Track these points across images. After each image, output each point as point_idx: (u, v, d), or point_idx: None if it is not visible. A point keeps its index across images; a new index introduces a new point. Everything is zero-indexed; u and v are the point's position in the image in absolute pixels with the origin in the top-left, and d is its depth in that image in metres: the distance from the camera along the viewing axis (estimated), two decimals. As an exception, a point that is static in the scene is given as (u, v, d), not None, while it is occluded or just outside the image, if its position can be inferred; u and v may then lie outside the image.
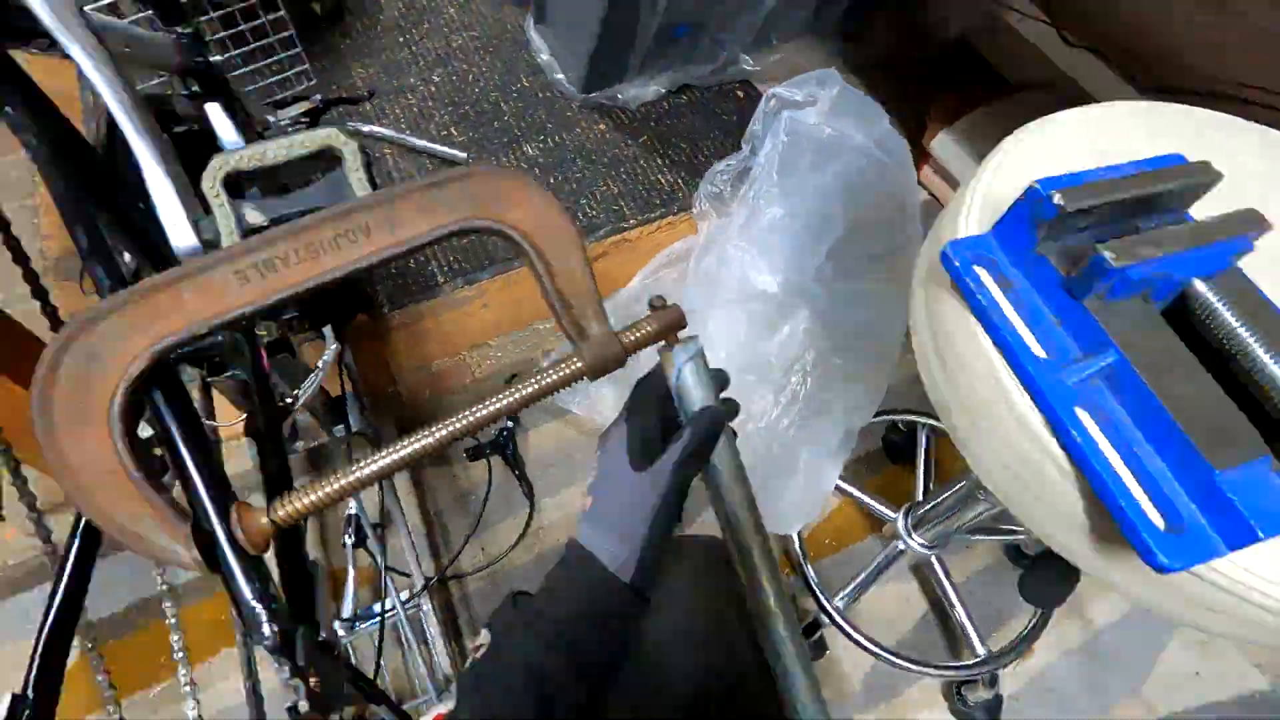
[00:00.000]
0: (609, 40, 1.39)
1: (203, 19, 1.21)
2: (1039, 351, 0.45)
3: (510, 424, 1.18)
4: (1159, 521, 0.39)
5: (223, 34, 1.24)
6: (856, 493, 1.00)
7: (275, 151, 0.49)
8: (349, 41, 1.64)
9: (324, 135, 0.50)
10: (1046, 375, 0.43)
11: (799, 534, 1.00)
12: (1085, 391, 0.43)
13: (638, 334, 0.46)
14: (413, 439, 0.42)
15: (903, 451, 1.19)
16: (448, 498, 1.14)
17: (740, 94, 1.66)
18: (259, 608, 0.42)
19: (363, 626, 0.92)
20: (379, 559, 0.93)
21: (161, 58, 0.89)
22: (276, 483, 0.51)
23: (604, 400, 1.22)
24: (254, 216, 0.50)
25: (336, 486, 0.41)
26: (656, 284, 1.34)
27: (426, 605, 0.96)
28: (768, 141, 1.15)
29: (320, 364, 0.76)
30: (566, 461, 1.18)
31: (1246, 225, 0.45)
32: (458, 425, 0.42)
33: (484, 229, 0.48)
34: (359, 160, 0.51)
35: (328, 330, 0.81)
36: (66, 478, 0.40)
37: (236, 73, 1.25)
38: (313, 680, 0.43)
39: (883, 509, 0.99)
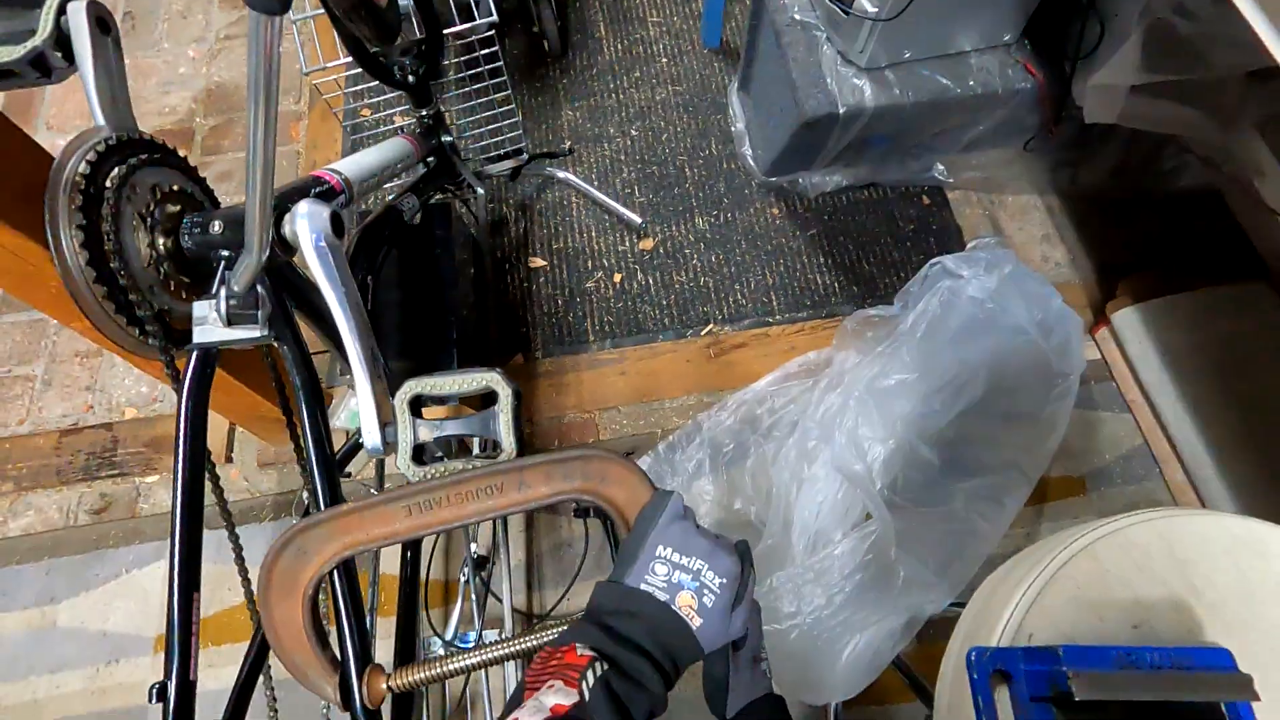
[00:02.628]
0: (796, 143, 1.42)
1: (442, 94, 1.39)
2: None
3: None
4: None
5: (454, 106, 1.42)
6: (904, 674, 1.04)
7: (450, 387, 0.64)
8: (566, 80, 1.78)
9: (489, 379, 0.64)
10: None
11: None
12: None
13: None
14: (504, 644, 0.55)
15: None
16: (548, 544, 1.31)
17: (925, 200, 1.61)
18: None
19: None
20: (479, 597, 1.12)
21: (405, 161, 1.07)
22: (403, 655, 0.69)
23: (703, 492, 1.32)
24: (424, 433, 0.65)
25: (444, 669, 0.56)
26: (782, 390, 1.40)
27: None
28: (921, 305, 1.15)
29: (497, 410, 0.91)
30: (656, 541, 1.31)
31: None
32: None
33: (589, 501, 0.59)
34: (510, 405, 0.64)
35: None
36: (269, 626, 0.58)
37: (461, 136, 1.44)
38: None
39: (921, 699, 1.03)
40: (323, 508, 0.62)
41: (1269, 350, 1.22)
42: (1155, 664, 0.47)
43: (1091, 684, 0.45)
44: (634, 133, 1.71)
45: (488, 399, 0.66)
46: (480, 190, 1.30)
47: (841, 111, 1.24)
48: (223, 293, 0.57)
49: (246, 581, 0.78)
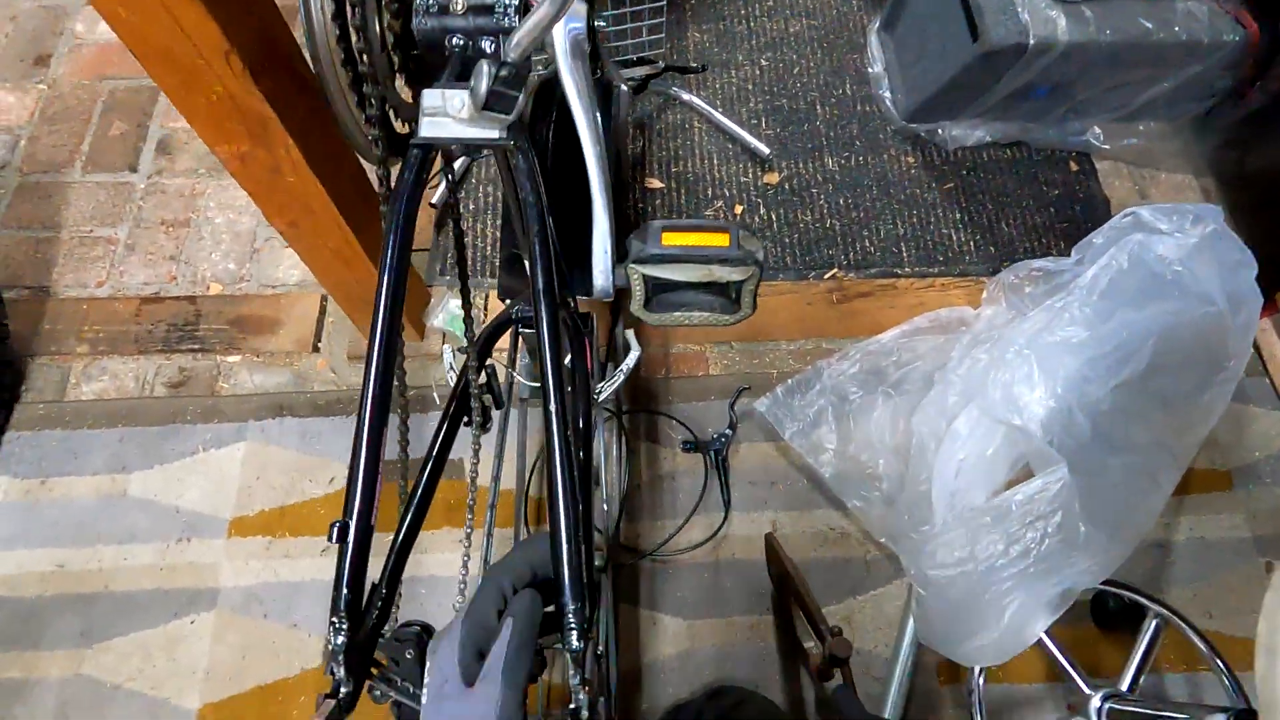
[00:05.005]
0: (960, 81, 1.31)
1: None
2: None
3: (729, 431, 1.23)
4: None
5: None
6: (1055, 650, 0.96)
7: (689, 273, 0.55)
8: (693, 2, 1.67)
9: (736, 274, 0.54)
10: None
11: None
12: None
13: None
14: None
15: (1110, 619, 1.10)
16: (650, 475, 1.23)
17: (1073, 165, 1.50)
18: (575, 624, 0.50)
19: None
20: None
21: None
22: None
23: (825, 442, 1.23)
24: (672, 273, 0.56)
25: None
26: (910, 345, 1.30)
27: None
28: (1105, 259, 1.05)
29: (625, 366, 0.83)
30: (767, 484, 1.22)
31: None
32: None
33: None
34: (758, 276, 0.55)
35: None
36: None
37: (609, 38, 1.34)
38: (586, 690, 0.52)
39: (1079, 679, 0.94)
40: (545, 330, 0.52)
41: None
42: None
43: None
44: (764, 63, 1.61)
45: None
46: (624, 87, 1.20)
47: (1031, 43, 1.14)
48: (485, 69, 0.47)
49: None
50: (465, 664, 0.44)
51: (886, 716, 1.06)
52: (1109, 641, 1.10)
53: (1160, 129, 1.45)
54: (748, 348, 1.34)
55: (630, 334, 0.84)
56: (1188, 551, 1.19)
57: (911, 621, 1.11)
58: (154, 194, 1.45)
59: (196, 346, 1.31)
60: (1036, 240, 1.44)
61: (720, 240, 0.55)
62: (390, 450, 0.58)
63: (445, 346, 0.87)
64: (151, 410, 1.25)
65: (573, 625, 0.51)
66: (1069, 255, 1.13)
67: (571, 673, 0.52)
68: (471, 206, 1.44)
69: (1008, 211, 1.46)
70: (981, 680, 0.97)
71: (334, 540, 0.52)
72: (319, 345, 1.33)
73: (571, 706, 0.53)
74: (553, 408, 0.50)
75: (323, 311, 1.35)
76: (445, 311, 1.32)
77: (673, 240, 0.55)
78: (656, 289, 0.57)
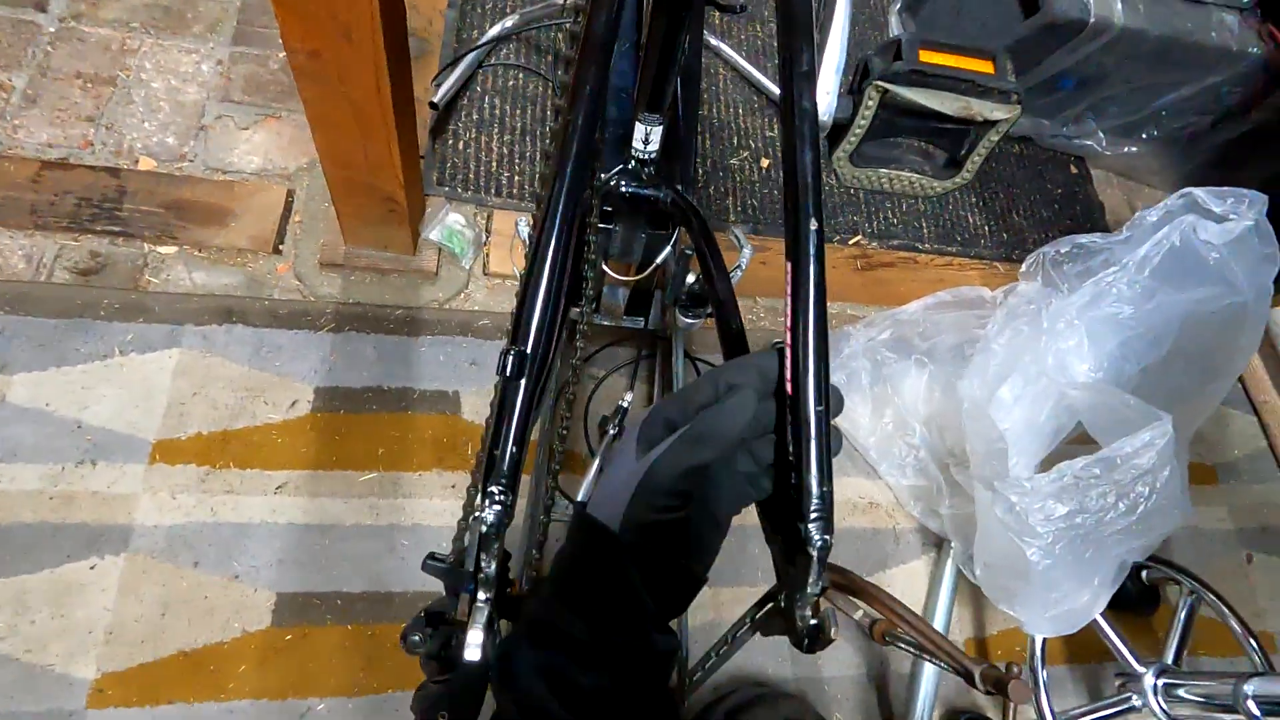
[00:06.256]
0: (1026, 46, 1.29)
1: None
2: None
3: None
4: None
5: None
6: (1108, 628, 0.92)
7: (944, 102, 0.44)
8: (718, -50, 1.59)
9: (998, 111, 0.45)
10: None
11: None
12: None
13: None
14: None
15: (1129, 602, 1.10)
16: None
17: (1074, 169, 1.55)
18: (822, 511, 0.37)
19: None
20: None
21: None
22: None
23: (857, 407, 1.16)
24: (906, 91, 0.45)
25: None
26: (935, 315, 1.26)
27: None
28: (1159, 235, 1.05)
29: (741, 263, 0.71)
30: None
31: None
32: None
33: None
34: (997, 136, 0.45)
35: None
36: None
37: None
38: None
39: (1129, 656, 0.91)
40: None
41: None
42: None
43: None
44: (789, 22, 1.54)
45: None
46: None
47: (1092, 20, 1.13)
48: None
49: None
50: (643, 442, 0.38)
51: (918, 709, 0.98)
52: (1126, 621, 1.09)
53: (1154, 142, 1.52)
54: (775, 304, 1.25)
55: (740, 231, 0.72)
56: (1181, 541, 1.22)
57: (944, 600, 1.05)
58: (68, 40, 1.16)
59: (117, 229, 1.04)
60: (1044, 233, 1.46)
61: (984, 67, 0.45)
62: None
63: (519, 219, 0.71)
64: (50, 299, 0.97)
65: (818, 512, 0.38)
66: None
67: (813, 580, 0.39)
68: (475, 117, 1.26)
69: (1018, 202, 1.48)
70: (1042, 650, 0.92)
71: (504, 373, 0.36)
72: (281, 247, 1.09)
73: (814, 622, 0.40)
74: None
75: (289, 208, 1.12)
76: (443, 225, 1.13)
77: (931, 59, 0.44)
78: (879, 129, 0.46)
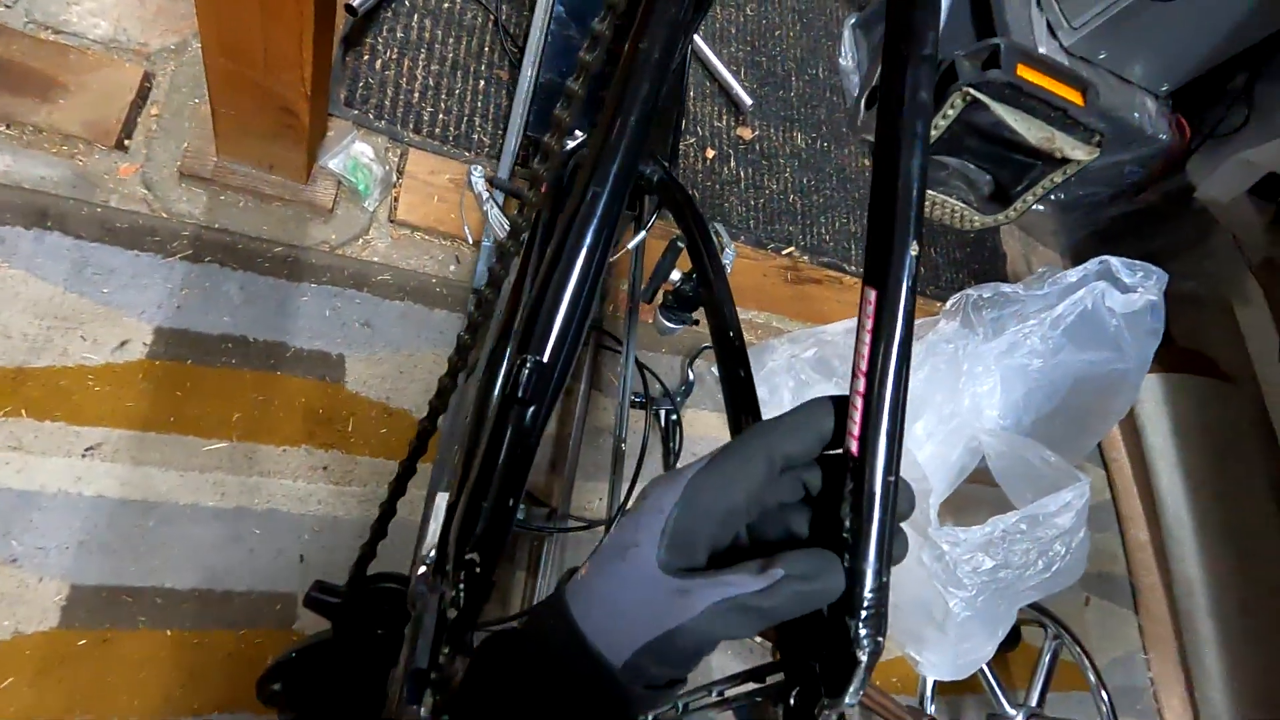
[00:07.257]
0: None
1: None
2: None
3: (683, 388, 1.06)
4: None
5: None
6: (988, 670, 0.95)
7: (1030, 128, 0.38)
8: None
9: (1078, 151, 0.39)
10: None
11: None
12: None
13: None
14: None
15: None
16: (594, 427, 1.00)
17: (984, 217, 1.61)
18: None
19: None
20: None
21: None
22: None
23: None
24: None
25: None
26: (853, 342, 1.25)
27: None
28: (1075, 297, 1.09)
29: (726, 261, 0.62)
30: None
31: None
32: None
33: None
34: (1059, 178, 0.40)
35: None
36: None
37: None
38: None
39: (1002, 697, 0.94)
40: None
41: (1249, 442, 1.38)
42: None
43: None
44: (749, 11, 1.47)
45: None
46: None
47: (1043, 77, 1.16)
48: None
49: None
50: (676, 545, 0.30)
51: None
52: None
53: (1057, 205, 1.62)
54: (753, 314, 1.19)
55: (721, 227, 0.63)
56: (1036, 580, 1.30)
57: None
58: None
59: (-118, 75, 0.77)
60: (955, 273, 1.51)
61: (1075, 97, 0.39)
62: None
63: (472, 167, 0.57)
64: None
65: (872, 608, 0.31)
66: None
67: (855, 689, 0.31)
68: (400, 35, 1.07)
69: (938, 240, 1.52)
70: (933, 691, 0.92)
71: (514, 391, 0.25)
72: (128, 143, 0.86)
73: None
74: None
75: (144, 95, 0.88)
76: (347, 154, 0.95)
77: (1028, 75, 0.38)
78: (943, 143, 0.39)
